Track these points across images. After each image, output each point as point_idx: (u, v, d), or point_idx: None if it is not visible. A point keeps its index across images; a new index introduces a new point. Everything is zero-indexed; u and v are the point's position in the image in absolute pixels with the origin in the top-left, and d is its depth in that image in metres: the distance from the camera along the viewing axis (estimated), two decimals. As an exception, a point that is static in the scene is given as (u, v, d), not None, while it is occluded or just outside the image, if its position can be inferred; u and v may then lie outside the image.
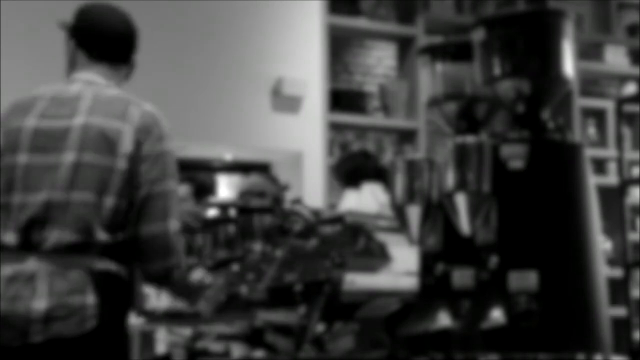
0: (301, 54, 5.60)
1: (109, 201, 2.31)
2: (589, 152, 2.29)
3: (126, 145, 2.34)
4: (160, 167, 2.38)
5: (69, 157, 2.31)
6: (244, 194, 4.00)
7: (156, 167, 2.37)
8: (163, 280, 2.40)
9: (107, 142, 2.33)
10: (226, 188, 6.08)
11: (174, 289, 2.54)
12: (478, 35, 2.19)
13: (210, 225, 2.67)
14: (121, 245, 2.33)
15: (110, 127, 2.34)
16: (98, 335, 2.26)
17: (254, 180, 4.10)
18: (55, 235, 2.27)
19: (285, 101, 5.56)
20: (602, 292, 2.12)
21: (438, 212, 1.99)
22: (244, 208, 2.54)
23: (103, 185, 2.30)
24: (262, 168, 5.91)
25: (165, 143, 2.43)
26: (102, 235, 2.29)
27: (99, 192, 2.30)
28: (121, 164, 2.32)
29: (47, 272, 2.26)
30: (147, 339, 3.08)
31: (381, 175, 3.76)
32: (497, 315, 1.95)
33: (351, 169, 3.75)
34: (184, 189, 4.65)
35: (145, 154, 2.37)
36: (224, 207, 2.87)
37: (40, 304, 2.23)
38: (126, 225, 2.33)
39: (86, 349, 2.26)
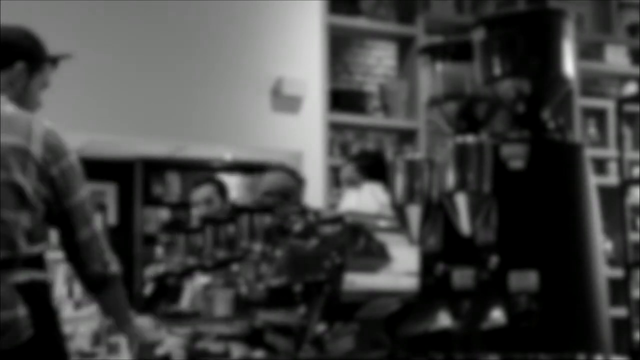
0: (301, 54, 5.60)
1: (26, 216, 2.41)
2: (590, 152, 2.29)
3: (35, 162, 2.44)
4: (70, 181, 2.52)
5: None
6: (267, 193, 3.98)
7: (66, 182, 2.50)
8: (102, 279, 2.54)
9: (17, 160, 2.42)
10: (233, 189, 6.06)
11: (108, 299, 2.62)
12: (478, 35, 2.19)
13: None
14: (41, 254, 2.47)
15: (18, 145, 2.43)
16: (35, 342, 2.37)
17: (274, 178, 4.07)
18: None
19: (285, 101, 5.56)
20: (602, 292, 2.12)
21: (438, 212, 1.99)
22: (244, 208, 2.53)
23: (16, 200, 2.41)
24: (262, 167, 5.91)
25: (69, 157, 2.53)
26: (25, 249, 2.39)
27: (15, 206, 2.40)
28: (32, 181, 2.43)
29: None
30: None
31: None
32: (497, 315, 1.94)
33: (372, 165, 3.73)
34: (208, 191, 4.62)
35: (55, 172, 2.47)
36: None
37: None
38: (45, 236, 2.49)
39: (26, 356, 2.37)
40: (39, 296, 2.43)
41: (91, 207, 2.55)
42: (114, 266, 2.56)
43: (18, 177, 2.40)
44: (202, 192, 4.64)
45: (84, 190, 2.54)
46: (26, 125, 2.47)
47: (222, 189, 4.67)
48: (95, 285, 2.56)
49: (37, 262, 2.45)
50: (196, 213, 4.54)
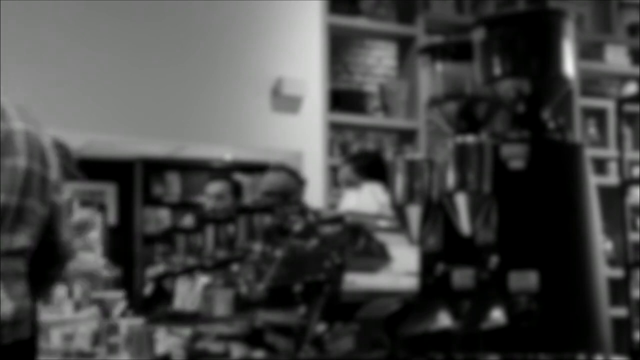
0: (301, 54, 5.60)
1: (45, 209, 2.36)
2: (590, 152, 2.29)
3: (52, 156, 2.39)
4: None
5: (21, 162, 2.30)
6: (268, 193, 3.98)
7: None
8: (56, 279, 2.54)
9: (42, 153, 2.36)
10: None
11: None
12: (478, 35, 2.19)
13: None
14: None
15: (43, 137, 2.38)
16: (32, 338, 2.35)
17: (275, 178, 4.07)
18: (7, 240, 2.28)
19: (285, 101, 5.56)
20: (602, 292, 2.12)
21: (438, 212, 1.99)
22: (244, 208, 2.53)
23: (43, 194, 2.36)
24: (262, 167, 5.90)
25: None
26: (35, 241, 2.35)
27: (42, 200, 2.35)
28: (52, 174, 2.37)
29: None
30: (147, 339, 3.08)
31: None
32: (497, 315, 1.94)
33: (370, 165, 3.72)
34: (221, 186, 4.64)
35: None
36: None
37: (6, 307, 2.24)
38: None
39: (31, 350, 2.35)
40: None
41: (67, 215, 2.52)
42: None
43: (46, 172, 2.36)
44: (215, 187, 4.67)
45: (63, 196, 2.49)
46: (30, 113, 2.40)
47: (236, 188, 4.70)
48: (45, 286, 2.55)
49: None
50: (207, 205, 4.58)
